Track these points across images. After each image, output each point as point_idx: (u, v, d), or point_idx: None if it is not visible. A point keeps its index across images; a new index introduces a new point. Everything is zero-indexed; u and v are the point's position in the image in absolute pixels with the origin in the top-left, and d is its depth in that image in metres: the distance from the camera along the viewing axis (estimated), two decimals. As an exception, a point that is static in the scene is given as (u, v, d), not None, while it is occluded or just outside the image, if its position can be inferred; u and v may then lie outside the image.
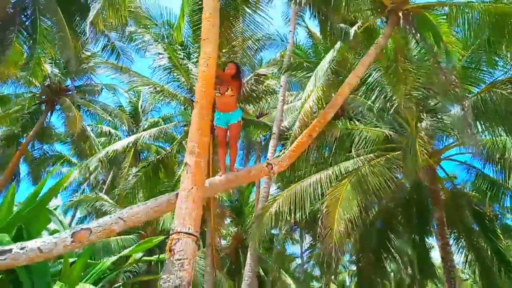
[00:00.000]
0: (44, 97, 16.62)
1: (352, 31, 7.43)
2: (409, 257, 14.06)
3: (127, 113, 20.94)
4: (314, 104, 6.97)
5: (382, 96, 9.01)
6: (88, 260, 5.05)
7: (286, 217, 8.72)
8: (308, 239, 22.08)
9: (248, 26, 8.06)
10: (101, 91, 17.69)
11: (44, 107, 16.69)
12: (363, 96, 9.22)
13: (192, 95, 12.86)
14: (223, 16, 6.74)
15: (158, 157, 14.91)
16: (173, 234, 3.96)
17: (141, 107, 22.08)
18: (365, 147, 8.87)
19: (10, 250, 3.74)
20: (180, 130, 15.48)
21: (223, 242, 20.90)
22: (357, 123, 8.91)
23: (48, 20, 12.49)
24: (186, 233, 3.95)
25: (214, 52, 4.79)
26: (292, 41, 12.85)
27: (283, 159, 5.73)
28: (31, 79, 14.63)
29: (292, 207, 8.58)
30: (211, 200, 11.68)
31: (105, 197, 18.24)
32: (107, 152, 14.56)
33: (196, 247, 4.02)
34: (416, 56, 8.03)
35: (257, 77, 12.52)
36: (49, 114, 16.95)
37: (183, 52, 11.47)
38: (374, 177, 7.67)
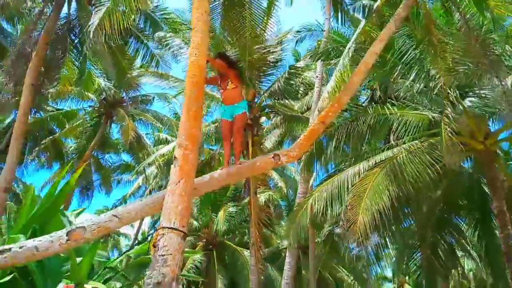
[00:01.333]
0: (102, 109, 17.88)
1: (375, 5, 6.81)
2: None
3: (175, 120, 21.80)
4: (333, 89, 6.47)
5: (422, 76, 8.15)
6: (100, 259, 5.16)
7: (323, 213, 8.25)
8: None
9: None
10: (153, 100, 18.57)
11: (103, 119, 17.95)
12: (399, 77, 8.38)
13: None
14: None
15: (207, 157, 15.17)
16: (158, 229, 3.87)
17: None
18: (407, 133, 8.03)
19: (9, 249, 3.92)
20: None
21: (285, 243, 20.67)
22: (391, 107, 8.08)
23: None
24: (170, 228, 3.83)
25: (203, 42, 4.64)
26: (329, 27, 12.24)
27: (293, 149, 5.35)
28: (85, 93, 15.91)
29: (328, 202, 8.09)
30: (253, 198, 11.57)
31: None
32: (161, 155, 15.18)
33: (182, 242, 3.87)
34: (454, 26, 7.10)
35: (293, 71, 12.13)
36: (108, 125, 18.19)
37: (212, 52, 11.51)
38: (413, 165, 6.89)
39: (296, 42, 15.24)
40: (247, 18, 8.27)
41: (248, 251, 15.98)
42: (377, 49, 5.82)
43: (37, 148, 18.61)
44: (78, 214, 5.77)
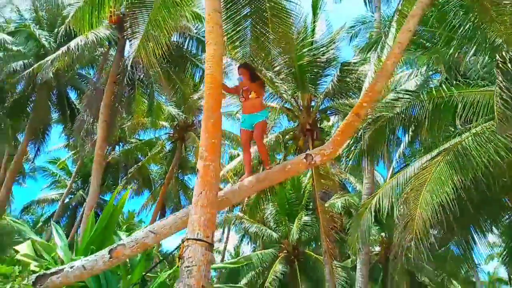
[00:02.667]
0: (176, 135, 19.14)
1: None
2: None
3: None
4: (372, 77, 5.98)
5: (486, 47, 7.16)
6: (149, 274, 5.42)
7: (388, 212, 7.62)
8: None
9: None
10: (220, 119, 19.30)
11: (178, 144, 19.19)
12: (457, 53, 7.45)
13: (284, 102, 12.83)
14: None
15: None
16: (184, 241, 3.94)
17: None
18: (475, 115, 7.05)
19: (62, 270, 4.33)
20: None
21: (377, 249, 19.54)
22: (450, 88, 7.16)
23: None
24: (195, 239, 3.87)
25: (216, 54, 4.69)
26: (379, 17, 11.55)
27: (327, 147, 5.05)
28: (158, 122, 17.18)
29: (394, 200, 7.45)
30: (319, 204, 11.20)
31: (241, 214, 19.55)
32: (231, 169, 15.64)
33: (208, 253, 3.87)
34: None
35: (346, 67, 11.63)
36: (183, 148, 19.37)
37: (260, 64, 11.59)
38: (481, 149, 5.99)
39: (351, 37, 14.67)
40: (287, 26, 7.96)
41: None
42: (411, 25, 5.28)
43: (126, 177, 20.57)
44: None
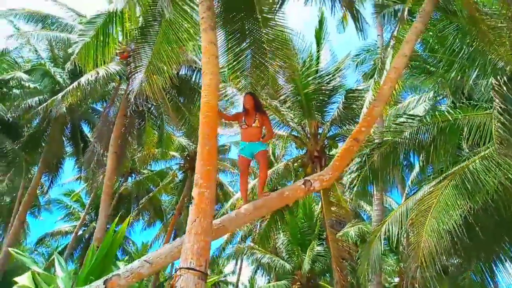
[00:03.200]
0: (187, 165, 19.29)
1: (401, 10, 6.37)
2: None
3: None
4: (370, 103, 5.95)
5: (489, 69, 7.13)
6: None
7: (400, 240, 7.39)
8: None
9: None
10: (230, 148, 19.51)
11: (189, 173, 19.29)
12: (458, 76, 7.43)
13: (292, 130, 12.87)
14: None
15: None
16: (177, 270, 3.88)
17: (274, 155, 23.23)
18: (482, 138, 6.90)
19: (59, 300, 4.30)
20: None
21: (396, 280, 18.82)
22: (453, 111, 7.07)
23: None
24: (187, 268, 3.81)
25: (212, 83, 4.80)
26: (382, 44, 11.69)
27: (326, 172, 5.02)
28: (168, 152, 17.39)
29: (402, 227, 7.23)
30: (328, 233, 10.94)
31: (253, 245, 19.21)
32: (239, 198, 15.54)
33: (201, 282, 3.79)
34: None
35: (351, 94, 11.69)
36: (193, 178, 19.44)
37: (265, 93, 11.77)
38: (490, 173, 5.82)
39: (357, 65, 14.82)
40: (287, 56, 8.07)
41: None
42: (406, 50, 5.35)
43: (137, 208, 20.64)
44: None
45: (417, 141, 7.19)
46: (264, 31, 6.36)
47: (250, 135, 5.27)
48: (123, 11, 6.42)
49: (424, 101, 13.05)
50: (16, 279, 5.37)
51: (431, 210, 5.65)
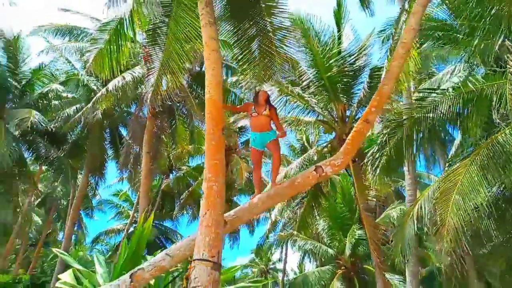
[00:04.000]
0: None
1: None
2: None
3: (298, 150, 22.44)
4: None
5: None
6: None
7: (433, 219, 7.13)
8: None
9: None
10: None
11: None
12: (482, 44, 6.94)
13: (318, 115, 12.68)
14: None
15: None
16: (191, 262, 4.06)
17: (308, 141, 23.04)
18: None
19: (91, 294, 4.65)
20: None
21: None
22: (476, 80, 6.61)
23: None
24: (200, 259, 3.97)
25: (214, 78, 4.89)
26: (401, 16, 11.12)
27: (337, 157, 4.97)
28: (200, 148, 17.79)
29: (437, 207, 6.96)
30: (363, 215, 10.74)
31: (295, 232, 19.31)
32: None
33: (214, 272, 3.94)
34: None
35: (376, 73, 11.27)
36: (229, 171, 19.78)
37: (286, 81, 11.67)
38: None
39: (383, 41, 14.22)
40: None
41: (392, 274, 14.61)
42: (413, 23, 5.13)
43: (180, 203, 21.42)
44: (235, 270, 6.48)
45: (443, 114, 6.85)
46: (269, 20, 6.32)
47: (260, 124, 5.30)
48: (132, 14, 6.59)
49: (459, 72, 12.34)
50: (59, 275, 5.84)
51: (456, 188, 5.38)
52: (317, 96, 12.45)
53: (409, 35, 5.10)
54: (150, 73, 6.84)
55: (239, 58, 6.71)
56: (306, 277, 17.88)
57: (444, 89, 7.10)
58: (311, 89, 12.20)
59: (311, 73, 12.00)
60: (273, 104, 5.57)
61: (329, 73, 11.83)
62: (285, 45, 6.33)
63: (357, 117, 12.53)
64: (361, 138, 5.08)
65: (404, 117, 7.04)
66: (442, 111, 6.90)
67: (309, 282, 17.15)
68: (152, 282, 5.23)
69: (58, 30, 12.61)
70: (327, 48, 11.97)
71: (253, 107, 5.39)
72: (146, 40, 6.63)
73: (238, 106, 5.76)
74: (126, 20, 6.50)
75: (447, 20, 9.33)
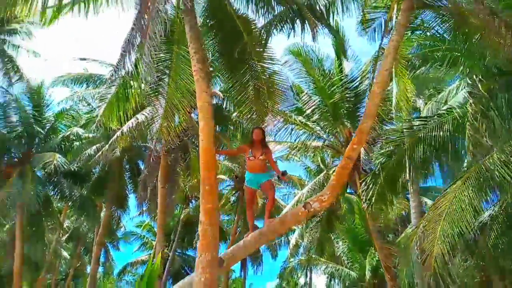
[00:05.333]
0: (237, 185, 20.15)
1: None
2: None
3: (314, 171, 22.78)
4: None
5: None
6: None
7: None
8: None
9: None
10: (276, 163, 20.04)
11: (240, 193, 20.12)
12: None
13: (324, 140, 13.00)
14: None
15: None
16: (189, 302, 4.45)
17: (324, 162, 23.28)
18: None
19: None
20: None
21: None
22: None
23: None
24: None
25: (206, 128, 5.35)
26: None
27: (324, 193, 5.33)
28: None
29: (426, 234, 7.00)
30: (375, 242, 10.81)
31: (317, 256, 19.32)
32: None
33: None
34: None
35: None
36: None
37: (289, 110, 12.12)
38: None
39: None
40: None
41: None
42: (386, 64, 5.50)
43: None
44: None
45: (432, 139, 7.08)
46: (260, 65, 6.86)
47: (256, 166, 5.65)
48: (137, 68, 7.23)
49: (465, 87, 12.47)
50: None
51: (443, 215, 5.55)
52: (322, 122, 12.84)
53: (384, 76, 5.47)
54: (153, 121, 7.44)
55: (237, 100, 7.24)
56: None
57: (431, 116, 7.34)
58: (315, 116, 12.61)
59: (314, 101, 12.44)
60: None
61: (332, 100, 12.23)
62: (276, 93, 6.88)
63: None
64: (346, 174, 5.42)
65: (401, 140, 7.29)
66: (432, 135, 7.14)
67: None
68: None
69: (76, 79, 13.66)
70: (329, 76, 12.42)
71: (249, 150, 5.76)
72: (149, 92, 7.25)
73: (234, 150, 6.17)
74: (129, 75, 7.09)
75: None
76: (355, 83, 12.73)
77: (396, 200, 8.64)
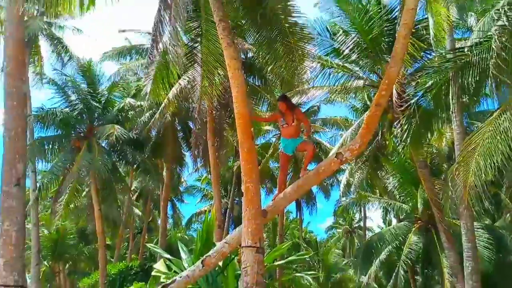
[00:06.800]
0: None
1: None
2: None
3: (361, 110, 22.57)
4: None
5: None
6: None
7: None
8: None
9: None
10: (319, 109, 20.20)
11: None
12: None
13: (365, 80, 12.75)
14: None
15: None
16: (240, 249, 5.17)
17: (370, 99, 22.87)
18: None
19: (175, 280, 6.00)
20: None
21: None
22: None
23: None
24: (245, 246, 5.06)
25: (239, 94, 5.70)
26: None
27: (355, 141, 5.60)
28: (261, 128, 18.85)
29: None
30: (420, 174, 10.88)
31: (369, 194, 19.82)
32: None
33: (258, 255, 5.00)
34: None
35: (416, 25, 10.96)
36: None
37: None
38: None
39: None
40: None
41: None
42: (412, 2, 5.34)
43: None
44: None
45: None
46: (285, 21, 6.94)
47: (291, 132, 5.92)
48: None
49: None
50: (154, 265, 7.48)
51: (477, 150, 5.55)
52: (361, 61, 12.51)
53: (409, 15, 5.36)
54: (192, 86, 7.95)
55: (265, 60, 7.47)
56: (381, 234, 18.33)
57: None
58: (354, 55, 12.28)
59: (352, 39, 12.02)
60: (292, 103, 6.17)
61: (371, 35, 11.73)
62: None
63: (407, 72, 12.33)
64: (375, 122, 5.60)
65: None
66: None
67: (385, 240, 17.55)
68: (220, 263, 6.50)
69: (120, 52, 14.44)
70: (365, 9, 11.81)
71: (281, 118, 5.97)
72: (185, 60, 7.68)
73: (267, 117, 6.48)
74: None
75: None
76: (394, 13, 12.06)
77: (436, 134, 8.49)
